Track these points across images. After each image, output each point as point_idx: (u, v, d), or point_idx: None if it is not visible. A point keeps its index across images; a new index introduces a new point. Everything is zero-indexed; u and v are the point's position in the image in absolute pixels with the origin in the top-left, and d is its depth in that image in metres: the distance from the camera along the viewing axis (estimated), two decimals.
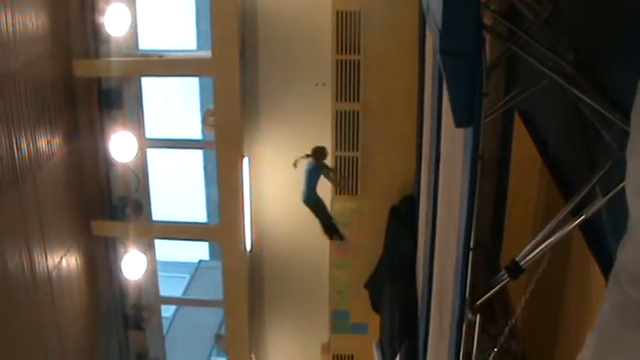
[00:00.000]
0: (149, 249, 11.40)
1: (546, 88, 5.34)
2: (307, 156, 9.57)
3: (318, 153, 9.58)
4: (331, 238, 10.23)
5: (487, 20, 6.58)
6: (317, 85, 10.43)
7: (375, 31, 9.88)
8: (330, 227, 10.08)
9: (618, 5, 4.25)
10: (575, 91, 4.24)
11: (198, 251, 16.97)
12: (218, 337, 13.07)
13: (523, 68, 7.10)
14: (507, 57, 6.64)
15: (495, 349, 5.16)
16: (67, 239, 9.84)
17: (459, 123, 3.09)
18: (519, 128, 7.19)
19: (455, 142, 3.84)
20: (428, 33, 6.09)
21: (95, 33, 10.20)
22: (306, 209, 9.82)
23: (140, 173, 11.09)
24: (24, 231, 8.62)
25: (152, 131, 11.28)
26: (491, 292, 4.19)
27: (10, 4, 8.22)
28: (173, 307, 15.28)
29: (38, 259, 8.93)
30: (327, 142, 10.19)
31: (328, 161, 9.89)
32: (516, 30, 5.72)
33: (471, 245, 3.67)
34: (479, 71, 2.90)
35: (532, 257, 4.15)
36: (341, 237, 10.22)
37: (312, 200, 9.76)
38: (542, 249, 4.14)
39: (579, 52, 5.05)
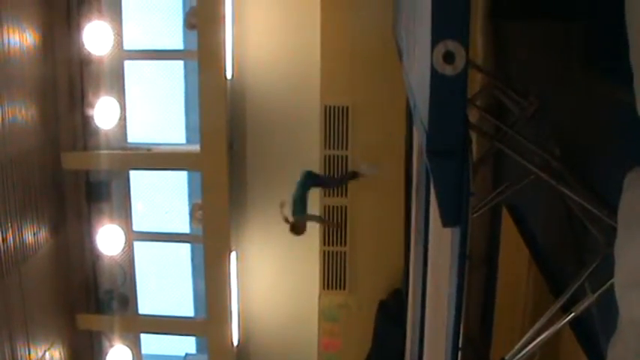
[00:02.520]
0: (135, 343, 11.27)
1: (534, 183, 5.36)
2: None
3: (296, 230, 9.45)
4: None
5: (473, 117, 6.63)
6: None
7: (364, 126, 9.96)
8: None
9: (601, 101, 4.29)
10: (562, 187, 4.25)
11: (184, 344, 16.74)
12: None
13: (510, 164, 7.12)
14: (494, 153, 6.68)
15: None
16: (51, 333, 9.72)
17: (445, 223, 3.08)
18: (507, 223, 7.19)
19: (442, 240, 3.82)
20: (415, 132, 6.14)
21: (84, 126, 10.28)
22: (296, 305, 9.73)
23: (127, 266, 11.03)
24: (7, 323, 8.52)
25: (140, 224, 11.25)
26: None
27: (0, 96, 8.28)
28: None
29: (21, 352, 8.82)
30: (315, 235, 10.18)
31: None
32: (502, 126, 5.76)
33: (460, 345, 3.62)
34: (466, 171, 2.90)
35: (522, 356, 4.10)
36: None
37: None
38: (532, 347, 4.09)
39: (565, 148, 5.08)
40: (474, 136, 3.89)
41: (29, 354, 9.04)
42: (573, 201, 4.34)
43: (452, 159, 2.86)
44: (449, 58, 2.79)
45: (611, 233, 3.36)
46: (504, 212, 7.34)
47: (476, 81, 7.68)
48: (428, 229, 4.78)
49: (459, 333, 3.50)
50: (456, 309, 3.37)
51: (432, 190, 3.74)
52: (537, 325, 4.17)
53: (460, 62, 2.80)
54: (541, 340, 4.09)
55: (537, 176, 4.58)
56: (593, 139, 4.62)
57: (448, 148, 2.86)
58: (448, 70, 2.80)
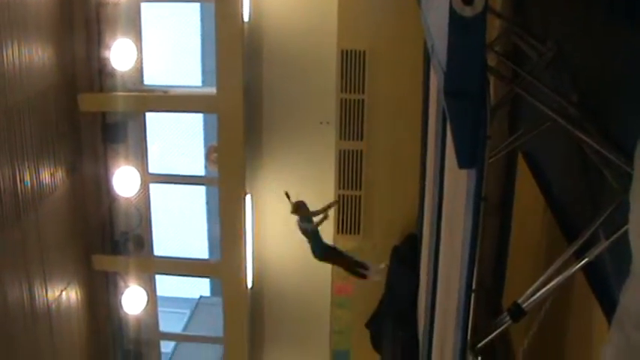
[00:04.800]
0: (150, 284, 11.37)
1: (550, 129, 5.34)
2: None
3: (297, 209, 9.55)
4: (362, 276, 10.11)
5: (491, 61, 6.59)
6: (321, 123, 10.45)
7: (381, 70, 9.91)
8: (355, 267, 10.00)
9: (621, 47, 4.26)
10: (579, 133, 4.24)
11: (199, 287, 16.88)
12: None
13: (527, 110, 7.10)
14: (511, 98, 6.64)
15: None
16: (68, 273, 9.82)
17: (461, 164, 3.08)
18: (523, 169, 7.18)
19: (458, 182, 3.83)
20: (432, 74, 6.11)
21: (101, 67, 10.25)
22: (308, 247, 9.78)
23: (142, 208, 11.08)
24: (25, 263, 8.61)
25: (155, 166, 11.29)
26: (493, 334, 4.16)
27: (16, 37, 8.28)
28: (172, 343, 15.17)
29: (38, 292, 8.91)
30: (330, 180, 10.19)
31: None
32: (520, 71, 5.73)
33: (473, 287, 3.65)
34: (483, 113, 2.90)
35: (534, 300, 4.12)
36: (366, 268, 10.09)
37: (323, 252, 9.72)
38: (544, 291, 4.12)
39: (583, 94, 5.05)
40: (491, 82, 3.87)
41: (46, 293, 9.14)
42: (590, 147, 4.33)
43: (469, 100, 2.85)
44: None
45: (626, 180, 3.35)
46: (520, 159, 7.33)
47: (494, 27, 7.62)
48: (443, 173, 4.78)
49: (472, 275, 3.53)
50: (470, 251, 3.39)
51: (449, 133, 3.73)
52: (550, 270, 4.19)
53: (479, 3, 2.78)
54: (554, 284, 4.11)
55: (554, 122, 4.57)
56: (611, 86, 4.59)
57: (466, 88, 2.85)
58: (467, 12, 2.78)
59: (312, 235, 9.57)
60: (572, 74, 5.38)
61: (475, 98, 2.85)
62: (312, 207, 9.59)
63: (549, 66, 5.64)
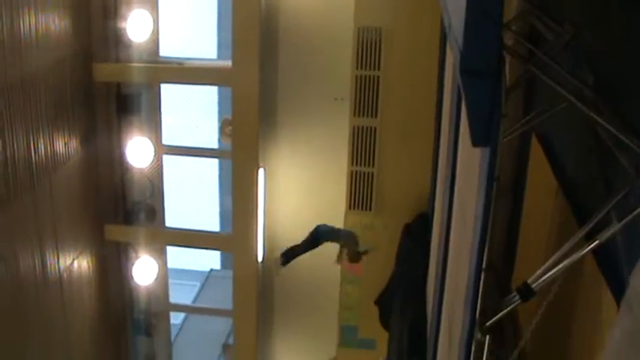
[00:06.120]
0: (161, 255, 11.42)
1: (565, 111, 5.32)
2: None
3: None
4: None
5: (508, 40, 6.57)
6: (336, 99, 10.45)
7: (396, 48, 9.90)
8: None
9: (638, 30, 4.23)
10: (594, 115, 4.22)
11: (209, 260, 16.94)
12: (226, 347, 13.06)
13: (542, 90, 7.07)
14: (527, 78, 6.62)
15: None
16: (80, 242, 9.88)
17: (476, 142, 3.07)
18: (536, 151, 7.16)
19: (471, 161, 3.83)
20: (448, 51, 6.09)
21: (116, 38, 10.26)
22: (321, 213, 9.83)
23: (155, 179, 11.12)
24: (38, 231, 8.66)
25: (169, 138, 11.31)
26: (502, 313, 4.17)
27: (33, 6, 8.29)
28: (182, 315, 15.26)
29: (50, 260, 8.97)
30: (343, 156, 10.20)
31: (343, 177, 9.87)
32: (537, 52, 5.70)
33: (484, 266, 3.65)
34: (498, 91, 2.89)
35: (544, 280, 4.12)
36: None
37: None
38: (554, 272, 4.11)
39: (599, 77, 5.03)
40: (507, 62, 3.86)
41: (58, 262, 9.20)
42: (604, 130, 4.32)
43: (485, 77, 2.84)
44: None
45: None
46: (533, 141, 7.31)
47: (512, 7, 7.58)
48: (457, 151, 4.78)
49: (483, 254, 3.53)
50: (481, 230, 3.39)
51: (463, 111, 3.73)
52: (561, 252, 4.19)
53: None
54: (564, 265, 4.11)
55: (569, 104, 4.55)
56: (627, 70, 4.57)
57: (482, 66, 2.84)
58: None
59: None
60: (589, 57, 5.35)
61: (491, 76, 2.85)
62: (324, 189, 9.69)
63: (566, 48, 5.61)
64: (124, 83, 10.54)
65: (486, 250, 3.58)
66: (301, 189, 10.17)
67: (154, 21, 10.35)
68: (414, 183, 10.15)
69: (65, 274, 9.39)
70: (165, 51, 10.96)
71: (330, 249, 10.23)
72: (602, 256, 4.51)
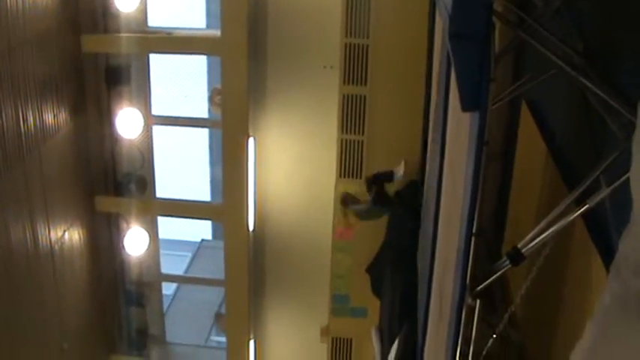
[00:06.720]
0: (152, 226, 11.44)
1: (554, 77, 5.33)
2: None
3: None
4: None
5: (497, 7, 6.55)
6: (325, 67, 10.42)
7: (386, 15, 9.86)
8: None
9: None
10: (584, 80, 4.23)
11: (200, 230, 17.00)
12: (218, 316, 13.13)
13: (532, 57, 7.08)
14: (516, 45, 6.62)
15: (494, 336, 5.16)
16: (70, 213, 9.87)
17: (465, 107, 3.08)
18: (526, 117, 7.18)
19: (460, 127, 3.83)
20: (437, 17, 6.07)
21: (104, 8, 10.20)
22: (312, 192, 9.82)
23: (145, 150, 11.11)
24: (28, 203, 8.65)
25: (158, 109, 11.29)
26: (492, 277, 4.20)
27: None
28: (174, 285, 15.32)
29: (41, 232, 8.97)
30: (332, 124, 10.19)
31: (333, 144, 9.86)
32: (526, 18, 5.70)
33: (474, 230, 3.67)
34: (487, 56, 2.89)
35: (534, 245, 4.15)
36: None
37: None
38: (544, 237, 4.14)
39: (589, 43, 5.04)
40: (496, 28, 3.85)
41: (49, 234, 9.20)
42: (594, 95, 4.33)
43: (474, 41, 2.84)
44: None
45: (629, 128, 3.36)
46: (523, 108, 7.33)
47: None
48: (447, 117, 4.78)
49: (473, 219, 3.54)
50: (471, 194, 3.41)
51: (453, 77, 3.73)
52: (551, 216, 4.22)
53: None
54: (554, 230, 4.14)
55: (559, 70, 4.56)
56: (617, 36, 4.58)
57: (471, 30, 2.84)
58: None
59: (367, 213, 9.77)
60: (579, 23, 5.35)
61: (480, 41, 2.85)
62: (314, 157, 9.67)
63: (555, 14, 5.61)
64: (113, 54, 10.49)
65: (476, 215, 3.59)
66: (291, 158, 10.16)
67: None
68: (403, 150, 10.14)
69: (56, 246, 9.39)
70: (154, 21, 10.91)
71: (323, 216, 10.27)
72: (592, 221, 4.54)
